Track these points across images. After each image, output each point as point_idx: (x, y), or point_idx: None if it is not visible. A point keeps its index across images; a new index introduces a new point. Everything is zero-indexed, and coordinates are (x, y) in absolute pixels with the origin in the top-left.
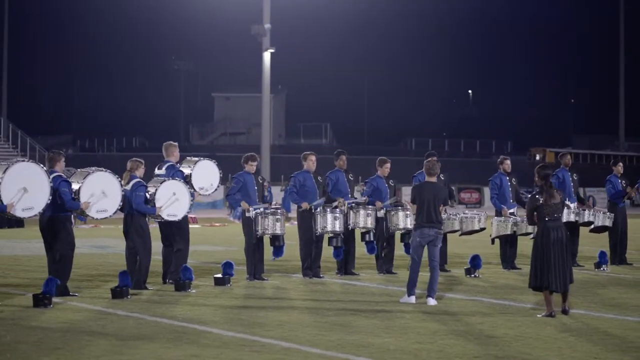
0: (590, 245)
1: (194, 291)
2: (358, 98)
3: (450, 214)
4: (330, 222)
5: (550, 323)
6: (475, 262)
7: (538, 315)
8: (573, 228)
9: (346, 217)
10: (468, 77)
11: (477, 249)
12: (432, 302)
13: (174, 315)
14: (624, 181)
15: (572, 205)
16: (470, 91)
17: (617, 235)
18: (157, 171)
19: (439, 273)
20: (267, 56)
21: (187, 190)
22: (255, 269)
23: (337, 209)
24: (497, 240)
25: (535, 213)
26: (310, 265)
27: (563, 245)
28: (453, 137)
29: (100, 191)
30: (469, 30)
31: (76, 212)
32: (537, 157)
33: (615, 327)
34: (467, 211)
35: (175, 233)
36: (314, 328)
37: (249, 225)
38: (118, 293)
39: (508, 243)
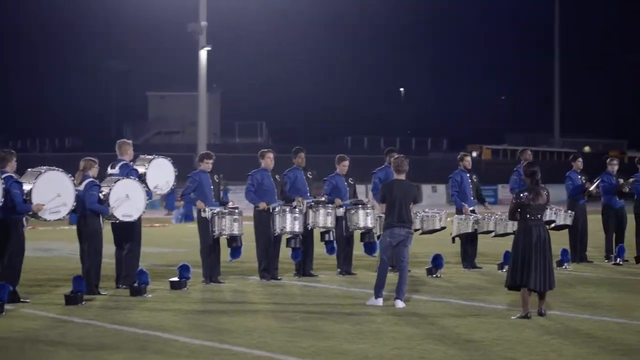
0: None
1: (150, 296)
2: (293, 97)
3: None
4: (289, 223)
5: (527, 325)
6: (437, 262)
7: (513, 317)
8: None
9: (305, 216)
10: (399, 75)
11: (436, 247)
12: (400, 304)
13: (134, 323)
14: (583, 177)
15: None
16: (402, 89)
17: (577, 233)
18: (110, 170)
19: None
20: (203, 54)
21: (142, 189)
22: (212, 272)
23: (297, 209)
24: (457, 239)
25: (518, 210)
26: (268, 267)
27: (546, 244)
28: (388, 135)
29: (53, 191)
30: (402, 28)
31: (28, 215)
32: (474, 154)
33: (596, 328)
34: (427, 210)
35: (127, 234)
36: (284, 334)
37: (204, 226)
38: (72, 299)
39: (469, 242)
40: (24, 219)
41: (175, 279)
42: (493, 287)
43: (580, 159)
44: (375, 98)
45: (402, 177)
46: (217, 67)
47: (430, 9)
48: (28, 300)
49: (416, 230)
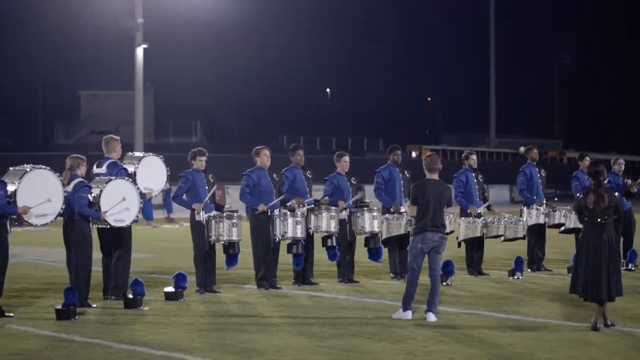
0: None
1: (146, 308)
2: (229, 96)
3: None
4: (291, 227)
5: (592, 342)
6: (447, 269)
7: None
8: (541, 230)
9: (306, 220)
10: (328, 75)
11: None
12: (432, 317)
13: (145, 342)
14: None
15: (541, 207)
16: (328, 90)
17: None
18: (96, 169)
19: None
20: (140, 52)
21: (136, 191)
22: (207, 280)
23: (299, 212)
24: (462, 243)
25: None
26: (266, 275)
27: (605, 249)
28: (324, 135)
29: (40, 193)
30: (334, 27)
31: (12, 218)
32: (414, 155)
33: None
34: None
35: (117, 240)
36: (324, 355)
37: (199, 230)
38: (64, 313)
39: (475, 246)
40: (8, 223)
41: (170, 289)
42: (516, 297)
43: (587, 158)
44: (311, 97)
45: (435, 176)
46: (150, 66)
47: (366, 7)
48: (12, 315)
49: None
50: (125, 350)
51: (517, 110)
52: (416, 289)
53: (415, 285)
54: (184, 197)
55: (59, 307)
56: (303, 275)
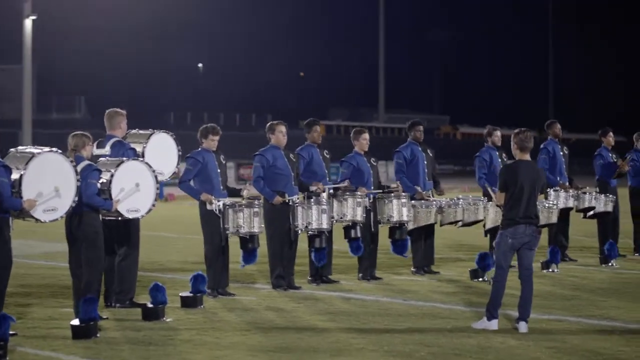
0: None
1: (169, 319)
2: (115, 71)
3: (451, 201)
4: (315, 217)
5: None
6: (484, 262)
7: None
8: (567, 216)
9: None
10: (201, 50)
11: (450, 240)
12: (524, 327)
13: None
14: (614, 155)
15: (566, 192)
16: (200, 64)
17: (609, 221)
18: (96, 150)
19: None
20: (28, 24)
21: (152, 175)
22: (220, 281)
23: (323, 199)
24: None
25: None
26: (283, 273)
27: None
28: (212, 109)
29: (48, 182)
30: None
31: (14, 214)
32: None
33: None
34: (469, 197)
35: (123, 235)
36: None
37: (212, 221)
38: (83, 331)
39: None
40: (10, 219)
41: (187, 293)
42: (582, 296)
43: (610, 134)
44: (195, 72)
45: (527, 157)
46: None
47: None
48: (16, 333)
49: (456, 222)
50: None
51: (404, 86)
52: (503, 294)
53: (504, 288)
54: (192, 182)
55: (76, 322)
56: (321, 271)
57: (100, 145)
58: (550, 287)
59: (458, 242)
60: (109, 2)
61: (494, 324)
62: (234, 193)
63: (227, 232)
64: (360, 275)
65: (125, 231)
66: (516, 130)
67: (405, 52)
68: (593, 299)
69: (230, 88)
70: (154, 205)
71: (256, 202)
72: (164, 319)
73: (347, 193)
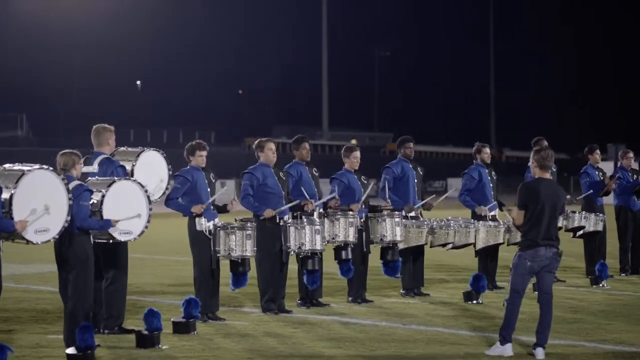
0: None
1: (165, 347)
2: (56, 88)
3: (442, 222)
4: (309, 237)
5: None
6: (479, 284)
7: None
8: None
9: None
10: (138, 66)
11: (435, 261)
12: (541, 354)
13: None
14: (601, 173)
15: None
16: (138, 82)
17: (596, 240)
18: (84, 168)
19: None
20: None
21: (144, 195)
22: (210, 305)
23: (316, 218)
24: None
25: None
26: (273, 297)
27: None
28: (153, 127)
29: (39, 201)
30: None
31: (4, 235)
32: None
33: None
34: (459, 219)
35: (111, 258)
36: None
37: (201, 243)
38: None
39: (489, 255)
40: (0, 241)
41: (179, 319)
42: (587, 319)
43: (597, 151)
44: (128, 88)
45: (548, 175)
46: None
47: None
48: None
49: (447, 244)
50: None
51: (347, 103)
52: (517, 318)
53: (517, 313)
54: (180, 200)
55: (72, 351)
56: (311, 294)
57: (87, 163)
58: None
59: (437, 262)
60: (45, 17)
61: (508, 349)
62: (219, 209)
63: (218, 254)
64: (351, 298)
65: (114, 254)
66: (536, 148)
67: (346, 70)
68: (598, 322)
69: (172, 105)
70: (146, 227)
71: (249, 224)
72: (159, 346)
73: (339, 212)
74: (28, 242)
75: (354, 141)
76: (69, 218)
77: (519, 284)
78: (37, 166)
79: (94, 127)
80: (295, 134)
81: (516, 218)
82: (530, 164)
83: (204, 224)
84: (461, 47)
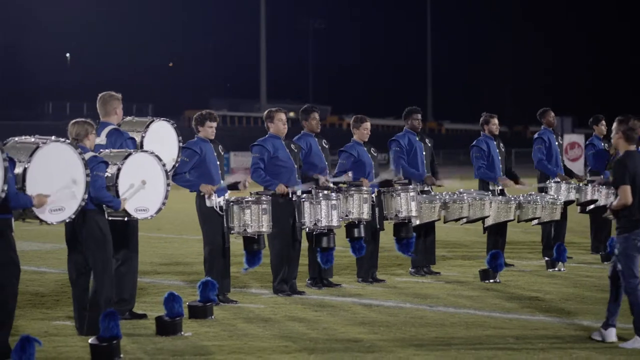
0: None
1: (189, 334)
2: None
3: (455, 195)
4: (325, 214)
5: None
6: (496, 262)
7: None
8: (563, 209)
9: None
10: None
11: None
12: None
13: None
14: (607, 144)
15: (568, 184)
16: (67, 54)
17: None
18: None
19: None
20: None
21: (162, 169)
22: (221, 287)
23: (332, 194)
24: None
25: None
26: (287, 277)
27: None
28: (91, 100)
29: (57, 176)
30: None
31: (16, 213)
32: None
33: None
34: (472, 191)
35: (121, 238)
36: None
37: (213, 220)
38: (105, 352)
39: (499, 232)
40: (12, 219)
41: (196, 303)
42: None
43: (603, 122)
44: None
45: (634, 147)
46: None
47: None
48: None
49: (460, 219)
50: None
51: (283, 76)
52: None
53: None
54: (188, 175)
55: (95, 342)
56: (322, 274)
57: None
58: (572, 288)
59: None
60: None
61: (612, 333)
62: (229, 186)
63: (232, 231)
64: (361, 278)
65: (125, 232)
66: (620, 118)
67: (283, 42)
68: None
69: (103, 78)
70: (164, 204)
71: (264, 197)
72: (182, 333)
73: (353, 188)
74: (42, 221)
75: (292, 114)
76: (86, 196)
77: (634, 268)
78: (53, 138)
79: (100, 95)
80: (233, 106)
81: (622, 196)
82: (612, 135)
83: (214, 200)
84: (398, 19)
